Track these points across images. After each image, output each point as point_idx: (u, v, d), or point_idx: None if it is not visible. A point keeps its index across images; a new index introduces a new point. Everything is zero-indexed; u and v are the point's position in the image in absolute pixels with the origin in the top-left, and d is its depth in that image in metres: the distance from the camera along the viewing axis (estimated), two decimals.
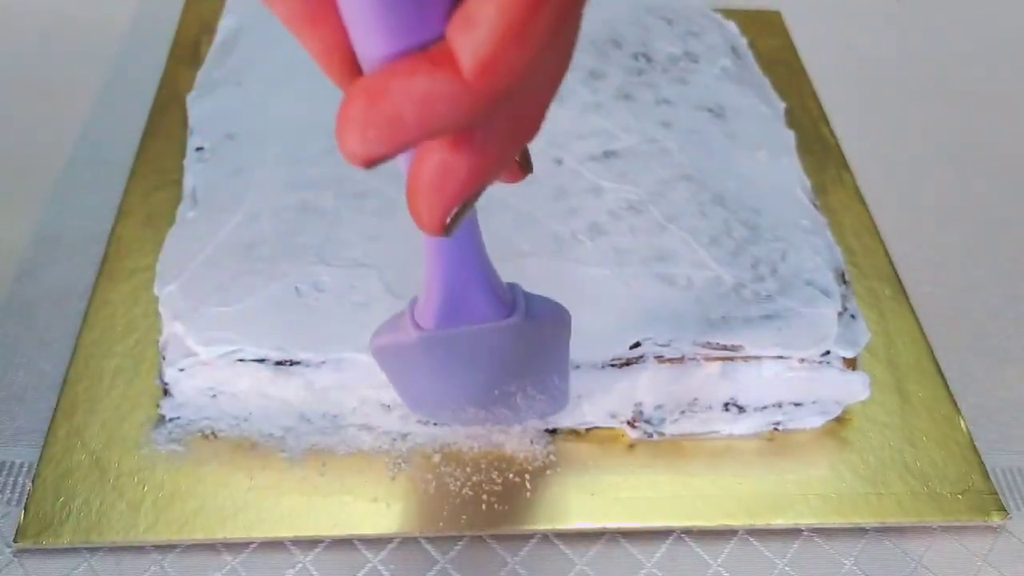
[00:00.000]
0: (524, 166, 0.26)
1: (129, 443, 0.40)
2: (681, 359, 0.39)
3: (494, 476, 0.39)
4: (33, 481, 0.38)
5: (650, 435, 0.41)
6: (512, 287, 0.33)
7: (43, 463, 0.39)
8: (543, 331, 0.35)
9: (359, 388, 0.39)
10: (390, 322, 0.34)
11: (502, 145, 0.22)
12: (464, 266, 0.30)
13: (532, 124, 0.22)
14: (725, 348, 0.39)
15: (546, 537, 0.39)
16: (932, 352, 0.46)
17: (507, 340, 0.34)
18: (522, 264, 0.40)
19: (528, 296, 0.34)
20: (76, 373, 0.42)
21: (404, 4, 0.20)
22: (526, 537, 0.39)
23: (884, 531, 0.40)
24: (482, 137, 0.21)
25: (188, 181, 0.45)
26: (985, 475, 0.41)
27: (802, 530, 0.40)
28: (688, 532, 0.39)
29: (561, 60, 0.22)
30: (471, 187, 0.22)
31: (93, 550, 0.37)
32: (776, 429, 0.42)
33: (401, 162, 0.24)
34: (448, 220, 0.22)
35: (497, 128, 0.21)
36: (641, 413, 0.41)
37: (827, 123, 0.58)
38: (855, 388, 0.41)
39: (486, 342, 0.34)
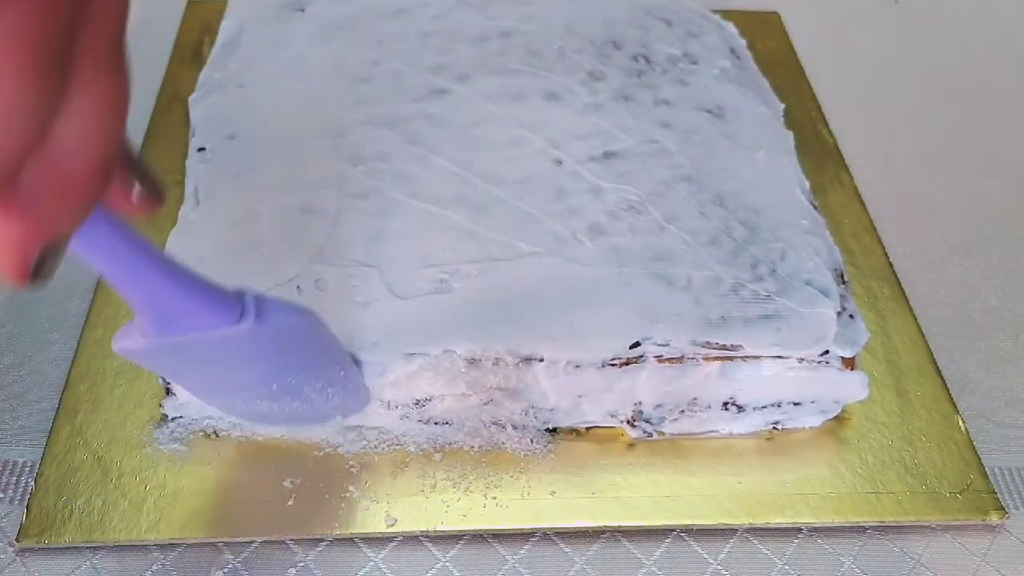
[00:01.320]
0: (152, 196, 0.27)
1: (131, 442, 0.40)
2: (680, 359, 0.39)
3: (494, 475, 0.40)
4: (36, 480, 0.38)
5: (649, 434, 0.41)
6: (242, 294, 0.32)
7: (45, 462, 0.39)
8: (284, 334, 0.34)
9: None
10: (129, 325, 0.33)
11: (51, 203, 0.22)
12: (151, 284, 0.29)
13: (84, 179, 0.23)
14: (724, 348, 0.39)
15: (546, 536, 0.39)
16: (931, 352, 0.46)
17: (242, 344, 0.32)
18: (522, 264, 0.41)
19: (265, 301, 0.33)
20: (78, 373, 0.42)
21: None
22: (526, 536, 0.39)
23: (883, 530, 0.40)
24: (25, 198, 0.22)
25: (190, 182, 0.45)
26: (984, 474, 0.41)
27: (801, 529, 0.40)
28: (688, 531, 0.39)
29: (98, 114, 0.22)
30: (33, 243, 0.23)
31: (95, 549, 0.37)
32: (775, 428, 0.42)
33: None
34: (31, 271, 0.23)
35: (37, 187, 0.22)
36: (640, 412, 0.41)
37: (826, 124, 0.58)
38: (854, 388, 0.41)
39: (216, 347, 0.33)
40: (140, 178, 0.26)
